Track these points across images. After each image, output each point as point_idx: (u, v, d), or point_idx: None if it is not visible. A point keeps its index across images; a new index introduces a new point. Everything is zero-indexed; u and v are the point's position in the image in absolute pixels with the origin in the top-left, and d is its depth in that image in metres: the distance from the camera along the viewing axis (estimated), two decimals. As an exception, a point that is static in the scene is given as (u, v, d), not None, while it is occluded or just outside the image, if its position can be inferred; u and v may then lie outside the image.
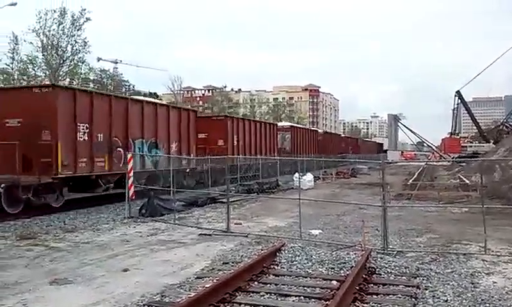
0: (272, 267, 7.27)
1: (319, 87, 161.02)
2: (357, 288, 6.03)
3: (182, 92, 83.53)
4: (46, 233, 10.53)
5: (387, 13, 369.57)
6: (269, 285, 6.34)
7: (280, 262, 7.49)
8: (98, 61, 57.14)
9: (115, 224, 11.83)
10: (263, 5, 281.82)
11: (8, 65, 39.71)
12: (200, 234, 10.47)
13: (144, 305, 5.66)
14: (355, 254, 7.81)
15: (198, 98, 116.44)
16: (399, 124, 77.79)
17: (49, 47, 39.98)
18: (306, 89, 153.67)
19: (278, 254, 7.84)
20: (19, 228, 11.12)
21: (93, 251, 8.72)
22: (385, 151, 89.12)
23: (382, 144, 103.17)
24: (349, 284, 5.83)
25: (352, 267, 6.91)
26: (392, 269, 7.07)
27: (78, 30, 40.29)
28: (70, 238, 10.01)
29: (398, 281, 6.52)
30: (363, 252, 7.80)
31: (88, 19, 40.24)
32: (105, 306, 5.74)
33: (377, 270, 7.03)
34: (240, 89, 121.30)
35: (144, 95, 52.62)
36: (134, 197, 13.53)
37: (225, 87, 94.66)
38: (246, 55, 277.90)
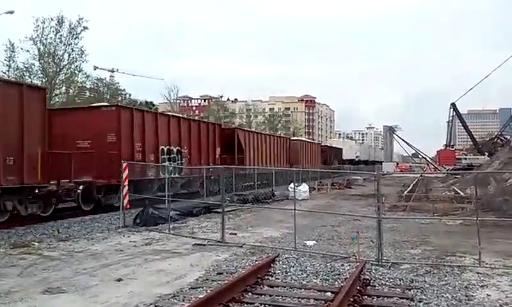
0: (266, 277, 7.25)
1: (315, 97, 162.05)
2: (351, 299, 6.02)
3: (178, 101, 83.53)
4: (39, 241, 10.47)
5: (386, 20, 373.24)
6: (263, 296, 6.32)
7: (274, 273, 7.48)
8: (95, 69, 57.06)
9: (109, 234, 11.77)
10: (262, 16, 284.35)
11: (4, 73, 39.64)
12: (194, 244, 10.42)
13: (137, 315, 5.63)
14: (349, 265, 7.81)
15: (194, 108, 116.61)
16: (394, 135, 78.34)
17: (46, 55, 39.97)
18: (302, 100, 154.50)
19: (272, 265, 7.83)
20: (12, 236, 11.06)
21: (86, 260, 8.67)
22: (350, 161, 64.98)
23: (340, 149, 65.56)
24: (344, 296, 5.82)
25: (347, 278, 6.91)
26: (386, 281, 7.07)
27: (75, 38, 40.30)
28: (63, 247, 9.95)
29: (392, 293, 6.52)
30: (358, 263, 7.80)
31: (85, 28, 40.20)
32: (98, 315, 5.71)
33: (371, 281, 7.03)
34: (236, 99, 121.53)
35: (140, 104, 52.42)
36: (128, 206, 13.48)
37: (221, 96, 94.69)
38: (243, 65, 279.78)
